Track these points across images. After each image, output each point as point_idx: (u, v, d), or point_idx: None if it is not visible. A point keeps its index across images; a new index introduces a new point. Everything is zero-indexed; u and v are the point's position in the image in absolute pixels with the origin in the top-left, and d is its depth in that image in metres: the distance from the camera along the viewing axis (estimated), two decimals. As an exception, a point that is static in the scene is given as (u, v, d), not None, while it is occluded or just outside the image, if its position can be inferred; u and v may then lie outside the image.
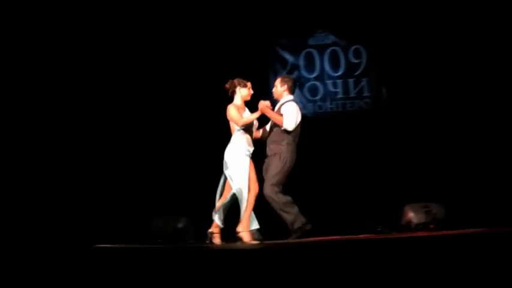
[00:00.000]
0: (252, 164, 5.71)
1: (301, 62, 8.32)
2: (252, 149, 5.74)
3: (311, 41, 8.32)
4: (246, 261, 4.06)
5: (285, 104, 5.75)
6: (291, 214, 5.66)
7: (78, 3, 7.75)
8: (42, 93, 7.71)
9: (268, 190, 5.65)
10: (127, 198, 7.62)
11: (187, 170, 7.80)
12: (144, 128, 8.00)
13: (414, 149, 7.66)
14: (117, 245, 6.22)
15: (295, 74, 8.27)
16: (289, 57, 8.35)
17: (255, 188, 5.66)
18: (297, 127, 5.70)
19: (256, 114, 5.69)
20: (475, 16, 7.53)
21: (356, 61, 8.18)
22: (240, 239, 5.60)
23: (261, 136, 5.95)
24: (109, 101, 7.93)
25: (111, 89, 7.95)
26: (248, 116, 5.74)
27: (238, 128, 5.72)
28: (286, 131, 5.63)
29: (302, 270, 3.79)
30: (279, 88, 5.82)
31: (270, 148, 5.73)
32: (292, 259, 4.09)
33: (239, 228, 5.63)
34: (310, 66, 8.31)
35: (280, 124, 5.65)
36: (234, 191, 5.63)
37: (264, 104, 5.71)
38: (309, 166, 7.70)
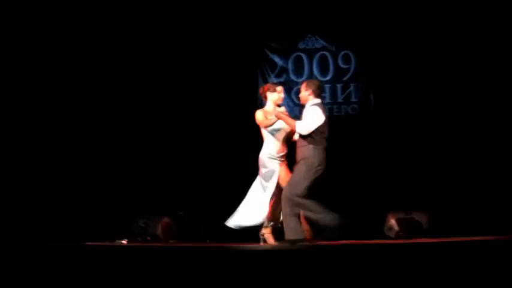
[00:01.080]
0: (284, 168, 5.84)
1: (290, 66, 8.33)
2: (281, 154, 5.86)
3: (301, 45, 8.32)
4: (253, 263, 4.15)
5: (308, 108, 5.71)
6: (317, 213, 5.61)
7: (78, 3, 7.75)
8: (47, 94, 7.79)
9: (286, 194, 5.60)
10: (140, 198, 7.74)
11: (195, 169, 7.95)
12: (155, 132, 8.16)
13: (400, 155, 7.68)
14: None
15: (283, 78, 8.28)
16: (278, 61, 8.34)
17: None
18: (321, 130, 5.62)
19: (274, 119, 5.80)
20: (463, 24, 7.58)
21: (345, 66, 8.20)
22: (264, 240, 5.84)
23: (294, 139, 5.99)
24: (114, 103, 8.07)
25: (120, 90, 8.10)
26: (268, 120, 5.86)
27: (267, 133, 5.88)
28: (309, 135, 5.58)
29: (301, 274, 3.83)
30: (303, 92, 5.79)
31: (297, 153, 5.70)
32: (289, 263, 4.14)
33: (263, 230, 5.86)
34: (299, 70, 8.31)
35: (293, 128, 5.64)
36: (263, 191, 5.83)
37: (278, 110, 5.84)
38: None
